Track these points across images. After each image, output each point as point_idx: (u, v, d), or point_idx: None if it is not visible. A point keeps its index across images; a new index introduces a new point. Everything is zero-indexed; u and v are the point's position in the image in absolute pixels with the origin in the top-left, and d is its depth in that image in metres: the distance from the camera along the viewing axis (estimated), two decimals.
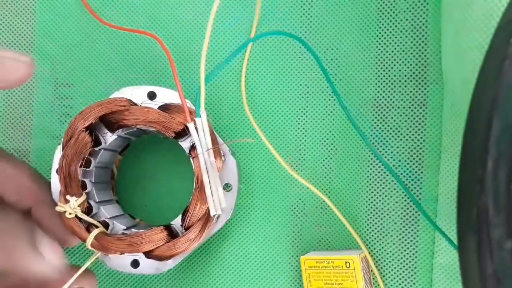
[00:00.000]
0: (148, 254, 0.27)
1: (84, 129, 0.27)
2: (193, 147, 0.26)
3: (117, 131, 0.27)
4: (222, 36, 0.32)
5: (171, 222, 0.27)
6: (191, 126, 0.26)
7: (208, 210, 0.26)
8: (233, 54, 0.26)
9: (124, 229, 0.28)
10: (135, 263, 0.28)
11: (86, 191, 0.28)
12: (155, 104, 0.27)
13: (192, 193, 0.26)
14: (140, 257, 0.27)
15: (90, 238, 0.26)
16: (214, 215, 0.26)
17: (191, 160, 0.27)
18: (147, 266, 0.27)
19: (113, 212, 0.30)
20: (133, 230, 0.29)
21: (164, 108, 0.27)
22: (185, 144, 0.27)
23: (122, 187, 0.33)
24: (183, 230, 0.27)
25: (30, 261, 0.20)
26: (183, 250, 0.27)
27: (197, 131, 0.26)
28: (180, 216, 0.27)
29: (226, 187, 0.27)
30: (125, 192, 0.33)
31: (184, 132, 0.27)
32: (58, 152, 0.28)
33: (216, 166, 0.26)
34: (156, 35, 0.28)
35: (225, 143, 0.27)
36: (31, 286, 0.21)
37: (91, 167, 0.28)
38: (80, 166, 0.27)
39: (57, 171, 0.28)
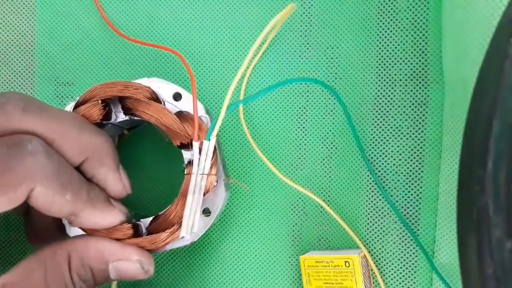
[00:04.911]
0: None
1: (101, 100, 0.27)
2: (190, 163, 0.26)
3: (130, 115, 0.27)
4: (229, 47, 0.32)
5: (142, 220, 0.27)
6: (195, 145, 0.25)
7: (177, 227, 0.26)
8: (259, 94, 0.25)
9: None
10: None
11: None
12: (175, 108, 0.27)
13: (171, 203, 0.26)
14: None
15: None
16: (182, 237, 0.26)
17: (184, 174, 0.26)
18: None
19: None
20: None
21: (181, 115, 0.26)
22: (186, 155, 0.27)
23: None
24: (146, 232, 0.27)
25: (111, 215, 0.25)
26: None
27: (200, 153, 0.25)
28: (151, 218, 0.27)
29: (205, 212, 0.27)
30: None
31: (189, 145, 0.26)
32: (68, 108, 0.27)
33: (204, 191, 0.26)
34: (179, 53, 0.28)
35: (223, 175, 0.27)
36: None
37: None
38: None
39: None
